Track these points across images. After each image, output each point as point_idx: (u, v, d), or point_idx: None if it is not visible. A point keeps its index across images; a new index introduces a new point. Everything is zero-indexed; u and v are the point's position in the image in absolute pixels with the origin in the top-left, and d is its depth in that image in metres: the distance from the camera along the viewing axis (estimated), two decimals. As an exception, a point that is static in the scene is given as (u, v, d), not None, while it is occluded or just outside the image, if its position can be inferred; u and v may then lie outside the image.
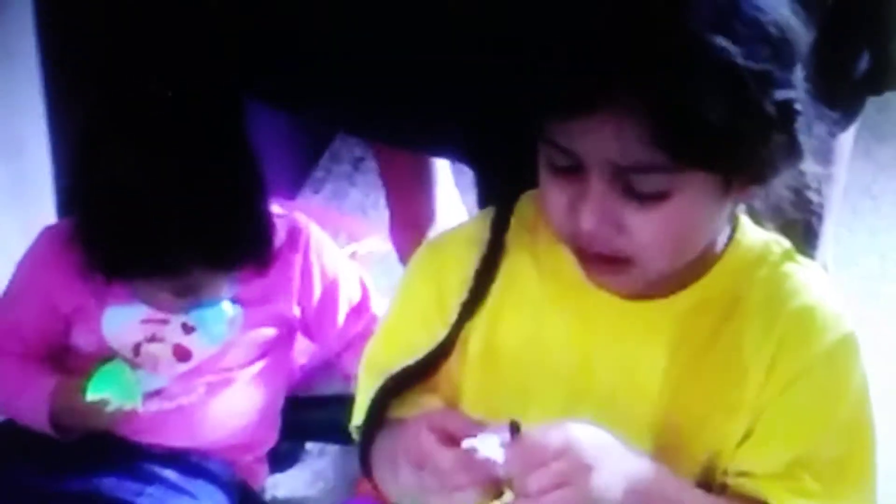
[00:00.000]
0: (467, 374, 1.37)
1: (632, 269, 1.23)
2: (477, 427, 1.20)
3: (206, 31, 1.67)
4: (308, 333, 2.05)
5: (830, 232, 2.20)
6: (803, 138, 1.20)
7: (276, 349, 2.00)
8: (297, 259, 1.95)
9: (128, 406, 1.86)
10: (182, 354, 1.93)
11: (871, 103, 1.82)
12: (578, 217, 1.19)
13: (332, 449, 2.36)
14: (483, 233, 1.38)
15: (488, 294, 1.36)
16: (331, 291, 1.99)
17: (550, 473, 1.14)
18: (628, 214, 1.18)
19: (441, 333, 1.36)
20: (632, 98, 1.12)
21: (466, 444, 1.17)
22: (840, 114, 1.74)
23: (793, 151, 1.21)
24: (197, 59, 1.73)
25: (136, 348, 1.92)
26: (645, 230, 1.19)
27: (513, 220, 1.37)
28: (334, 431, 1.81)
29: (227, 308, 1.92)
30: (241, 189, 1.80)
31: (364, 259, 2.48)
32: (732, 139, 1.15)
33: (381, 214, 2.68)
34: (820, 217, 1.39)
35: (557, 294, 1.34)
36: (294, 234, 1.96)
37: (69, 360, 1.96)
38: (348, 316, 2.01)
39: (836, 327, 1.29)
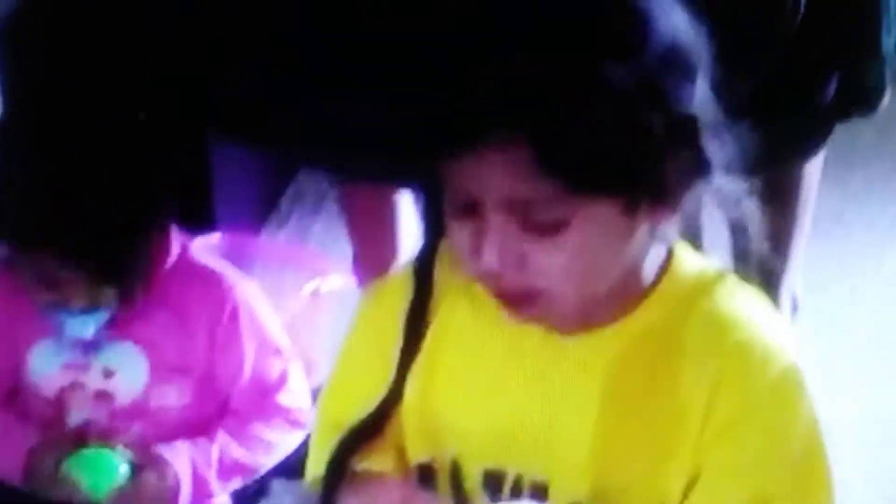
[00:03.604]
0: (409, 413, 1.34)
1: (544, 303, 1.19)
2: None
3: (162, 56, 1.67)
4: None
5: (798, 259, 2.19)
6: (713, 153, 1.16)
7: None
8: (219, 324, 1.92)
9: (94, 496, 1.85)
10: (104, 400, 1.92)
11: (841, 129, 1.81)
12: (481, 256, 1.16)
13: (296, 485, 2.22)
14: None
15: (423, 337, 1.33)
16: (257, 370, 1.96)
17: None
18: (529, 248, 1.15)
19: (389, 379, 1.33)
20: (514, 128, 1.10)
21: None
22: (807, 140, 1.73)
23: (698, 167, 1.16)
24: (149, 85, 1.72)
25: (61, 393, 1.92)
26: (549, 263, 1.16)
27: (446, 259, 1.32)
28: (298, 468, 1.76)
29: (136, 352, 1.90)
30: (129, 201, 1.77)
31: (327, 296, 2.44)
32: (625, 161, 1.12)
33: (344, 249, 2.68)
34: (746, 235, 1.34)
35: (491, 333, 1.30)
36: (218, 294, 1.93)
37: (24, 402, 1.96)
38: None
39: (778, 359, 1.25)
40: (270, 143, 1.82)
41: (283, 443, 1.99)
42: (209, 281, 1.94)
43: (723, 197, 1.20)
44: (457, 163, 1.14)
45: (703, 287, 1.27)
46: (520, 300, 1.20)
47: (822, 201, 2.12)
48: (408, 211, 2.16)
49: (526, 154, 1.10)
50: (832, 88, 1.65)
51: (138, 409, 1.92)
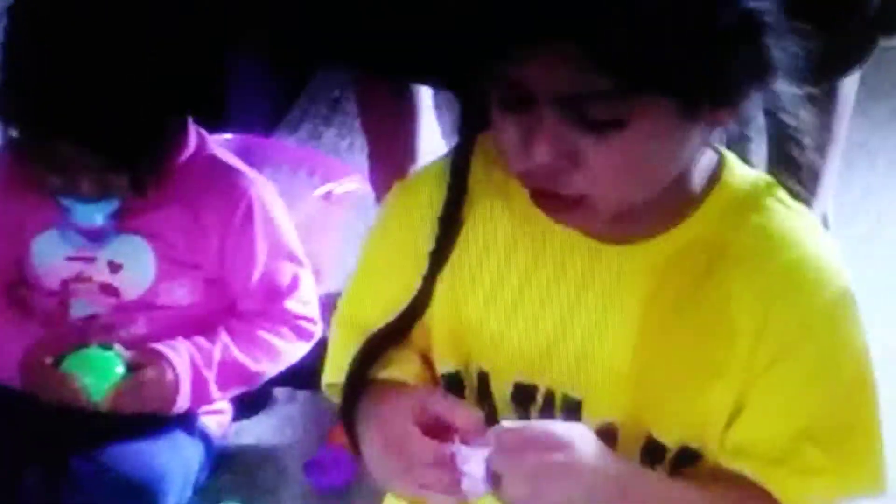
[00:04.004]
0: (437, 321, 1.28)
1: (591, 205, 1.13)
2: (468, 415, 1.15)
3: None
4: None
5: (831, 183, 2.13)
6: (775, 53, 1.09)
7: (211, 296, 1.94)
8: (232, 222, 1.89)
9: (91, 396, 1.82)
10: (110, 293, 1.88)
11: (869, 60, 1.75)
12: (532, 152, 1.10)
13: (302, 395, 2.26)
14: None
15: (456, 239, 1.25)
16: (267, 273, 1.93)
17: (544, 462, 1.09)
18: (583, 146, 1.09)
19: (416, 282, 1.26)
20: (574, 19, 1.03)
21: (453, 448, 1.12)
22: (852, 52, 1.66)
23: (762, 68, 1.10)
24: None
25: (64, 285, 1.88)
26: (602, 162, 1.09)
27: (481, 158, 1.25)
28: (304, 377, 1.75)
29: (145, 246, 1.86)
30: (152, 89, 1.74)
31: (340, 200, 2.39)
32: (685, 56, 1.05)
33: (357, 157, 2.67)
34: (801, 147, 1.27)
35: (528, 236, 1.23)
36: (234, 191, 1.89)
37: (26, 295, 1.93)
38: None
39: (832, 281, 1.18)
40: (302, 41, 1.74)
41: (287, 351, 1.96)
42: (225, 178, 1.90)
43: (781, 103, 1.14)
44: (513, 56, 1.08)
45: (755, 200, 1.20)
46: (566, 201, 1.13)
47: (847, 132, 2.08)
48: (427, 112, 2.10)
49: (586, 47, 1.03)
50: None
51: (144, 305, 1.89)
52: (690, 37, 1.04)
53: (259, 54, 2.10)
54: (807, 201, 1.26)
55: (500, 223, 1.24)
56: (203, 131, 1.93)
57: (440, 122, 2.13)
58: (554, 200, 1.13)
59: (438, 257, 1.25)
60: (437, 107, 2.13)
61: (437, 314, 1.26)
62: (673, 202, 1.17)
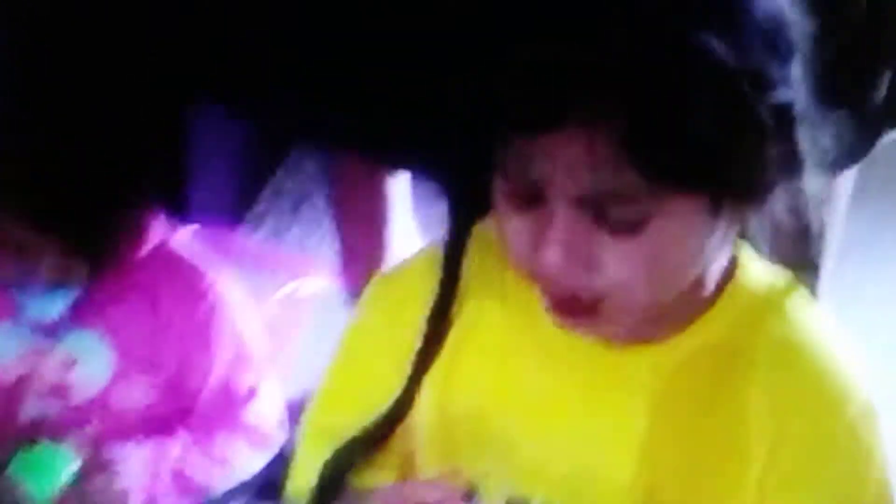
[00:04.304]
0: (422, 425, 1.20)
1: (607, 312, 1.05)
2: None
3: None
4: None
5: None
6: (804, 148, 1.03)
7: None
8: (193, 322, 1.81)
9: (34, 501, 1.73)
10: (62, 392, 1.79)
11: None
12: (542, 253, 1.01)
13: None
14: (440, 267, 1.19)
15: (444, 340, 1.17)
16: (226, 378, 1.84)
17: None
18: (601, 248, 1.01)
19: (398, 384, 1.18)
20: (602, 110, 0.95)
21: None
22: (854, 144, 1.59)
23: (792, 164, 1.03)
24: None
25: (15, 383, 1.79)
26: (621, 265, 1.01)
27: (476, 249, 1.17)
28: (264, 489, 1.78)
29: (102, 342, 1.77)
30: (106, 169, 1.68)
31: (306, 300, 2.28)
32: (723, 152, 0.97)
33: (324, 254, 2.55)
34: (821, 250, 1.21)
35: (526, 337, 1.16)
36: (197, 289, 1.82)
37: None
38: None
39: (856, 395, 1.12)
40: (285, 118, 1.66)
41: (243, 463, 1.86)
42: (188, 273, 1.83)
43: (807, 197, 1.07)
44: (523, 144, 0.99)
45: (773, 302, 1.13)
46: (580, 308, 1.05)
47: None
48: (403, 205, 2.04)
49: (611, 139, 0.95)
50: (882, 91, 1.51)
51: (98, 406, 1.79)
52: (726, 131, 0.96)
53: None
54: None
55: (496, 321, 1.16)
56: (167, 223, 1.85)
57: (418, 214, 2.05)
58: (569, 310, 1.05)
59: (425, 358, 1.16)
60: (414, 197, 2.05)
61: (423, 418, 1.18)
62: (685, 303, 1.09)
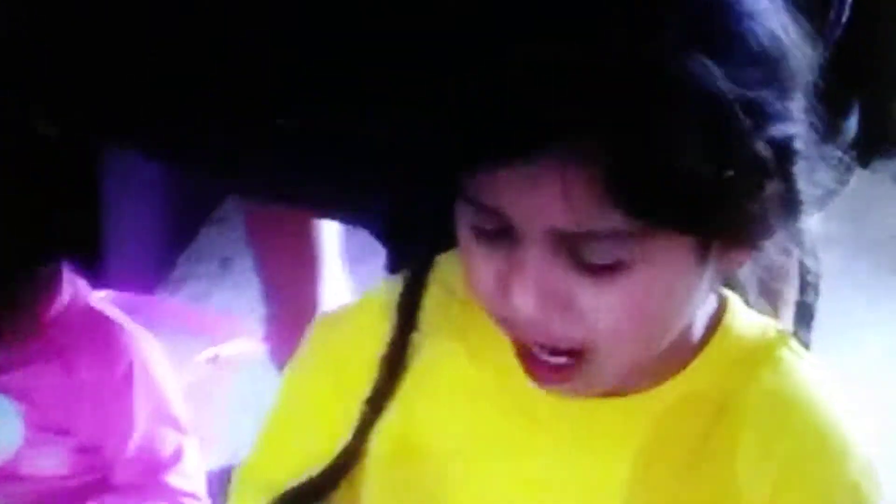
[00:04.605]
0: (373, 476, 1.10)
1: (586, 364, 0.95)
2: None
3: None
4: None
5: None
6: (803, 186, 0.94)
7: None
8: (110, 382, 1.70)
9: None
10: None
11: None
12: (513, 296, 0.91)
13: None
14: (394, 307, 1.09)
15: (399, 384, 1.07)
16: (147, 442, 1.73)
17: None
18: (577, 292, 0.91)
19: (342, 435, 1.08)
20: (581, 141, 0.85)
21: None
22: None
23: (790, 204, 0.94)
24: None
25: None
26: (600, 312, 0.91)
27: (434, 288, 1.08)
28: None
29: (10, 407, 1.67)
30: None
31: (229, 363, 2.20)
32: (716, 191, 0.88)
33: (248, 319, 2.47)
34: (817, 292, 1.12)
35: (494, 383, 1.05)
36: (114, 347, 1.71)
37: None
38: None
39: (857, 454, 1.03)
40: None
41: None
42: (103, 332, 1.72)
43: (805, 241, 1.01)
44: (492, 177, 0.89)
45: (765, 351, 1.04)
46: (556, 364, 0.95)
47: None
48: (333, 260, 1.94)
49: (591, 174, 0.85)
50: (852, 123, 1.44)
51: (6, 475, 1.67)
52: (719, 167, 0.87)
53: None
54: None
55: (457, 365, 1.07)
56: (80, 280, 1.75)
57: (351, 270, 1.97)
58: (544, 361, 0.95)
59: (377, 403, 1.07)
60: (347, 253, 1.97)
61: (374, 467, 1.08)
62: (671, 351, 1.00)
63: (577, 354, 0.94)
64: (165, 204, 2.63)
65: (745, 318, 1.05)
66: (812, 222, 1.03)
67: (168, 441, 1.74)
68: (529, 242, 0.90)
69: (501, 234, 0.92)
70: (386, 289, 1.11)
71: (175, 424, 1.76)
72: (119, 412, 1.70)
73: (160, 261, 2.80)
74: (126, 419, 1.70)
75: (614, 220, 0.86)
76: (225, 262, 2.90)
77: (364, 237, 1.56)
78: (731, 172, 0.87)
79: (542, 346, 0.95)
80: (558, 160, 0.85)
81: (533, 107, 0.85)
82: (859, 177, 1.45)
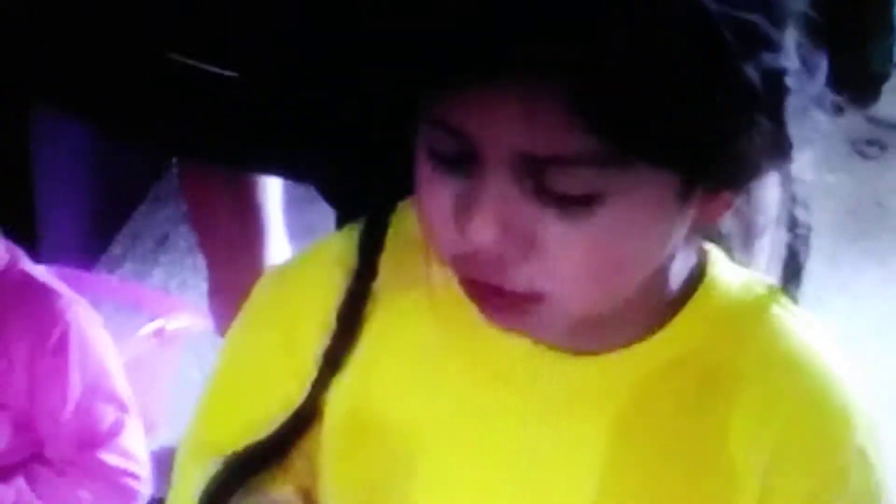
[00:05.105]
0: (330, 442, 1.01)
1: (541, 309, 0.86)
2: None
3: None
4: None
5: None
6: (795, 128, 0.86)
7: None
8: (44, 349, 1.65)
9: None
10: None
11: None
12: (469, 228, 0.83)
13: None
14: (351, 255, 1.00)
15: (358, 338, 0.99)
16: (81, 414, 1.67)
17: None
18: (541, 228, 0.82)
19: (296, 393, 1.00)
20: (551, 56, 0.77)
21: None
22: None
23: (779, 145, 0.86)
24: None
25: None
26: (565, 252, 0.83)
27: (395, 237, 1.00)
28: None
29: None
30: None
31: (172, 338, 2.11)
32: (699, 117, 0.80)
33: (189, 297, 2.45)
34: (807, 246, 1.04)
35: (459, 340, 0.97)
36: (48, 313, 1.66)
37: None
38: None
39: (864, 412, 0.96)
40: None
41: None
42: (38, 298, 1.66)
43: (796, 190, 0.94)
44: (457, 95, 0.81)
45: (754, 308, 0.96)
46: (511, 301, 0.86)
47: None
48: (277, 229, 1.87)
49: (562, 92, 0.77)
50: (822, 73, 1.37)
51: None
52: (705, 91, 0.80)
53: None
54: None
55: (419, 320, 0.98)
56: (15, 247, 1.68)
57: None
58: (495, 299, 0.86)
59: (334, 359, 0.98)
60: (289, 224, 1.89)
61: (332, 437, 1.00)
62: (647, 303, 0.92)
63: (534, 297, 0.85)
64: (100, 180, 2.56)
65: (729, 273, 0.97)
66: (805, 170, 0.96)
67: (105, 415, 1.68)
68: (492, 168, 0.82)
69: (462, 161, 0.84)
70: (339, 238, 1.04)
71: (114, 400, 1.69)
72: (51, 380, 1.64)
73: (96, 237, 2.74)
74: (59, 388, 1.64)
75: (585, 144, 0.79)
76: (162, 240, 2.82)
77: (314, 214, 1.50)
78: (717, 100, 0.80)
79: (498, 290, 0.86)
80: (527, 78, 0.78)
81: (501, 16, 0.78)
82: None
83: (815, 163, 0.94)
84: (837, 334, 0.99)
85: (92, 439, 1.67)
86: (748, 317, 0.96)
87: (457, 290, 0.90)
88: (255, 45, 1.31)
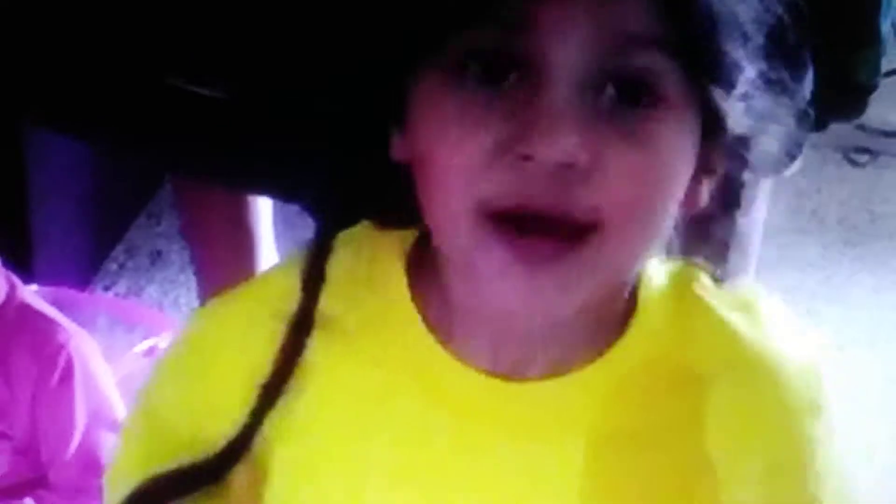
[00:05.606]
0: (275, 484, 0.95)
1: (585, 248, 0.81)
2: None
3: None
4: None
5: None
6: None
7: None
8: (48, 383, 1.66)
9: None
10: None
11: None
12: (547, 136, 0.78)
13: None
14: (292, 290, 0.95)
15: (294, 374, 0.93)
16: (86, 443, 1.69)
17: None
18: (608, 147, 0.80)
19: (218, 430, 0.94)
20: None
21: None
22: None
23: (790, 151, 0.89)
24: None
25: None
26: (625, 177, 0.80)
27: (338, 268, 0.95)
28: None
29: None
30: None
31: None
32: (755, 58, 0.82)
33: (182, 314, 2.47)
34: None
35: (410, 374, 0.92)
36: (51, 346, 1.67)
37: None
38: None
39: (823, 385, 0.94)
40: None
41: None
42: (40, 331, 1.68)
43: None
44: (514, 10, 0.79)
45: (694, 299, 0.94)
46: (555, 244, 0.81)
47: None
48: (268, 247, 1.86)
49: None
50: (808, 84, 1.37)
51: None
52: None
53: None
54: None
55: (366, 360, 0.94)
56: (14, 277, 1.70)
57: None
58: (541, 244, 0.81)
59: (274, 393, 0.93)
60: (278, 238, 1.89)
61: (276, 478, 0.95)
62: (607, 309, 0.91)
63: (579, 234, 0.81)
64: (95, 197, 2.56)
65: (657, 269, 0.95)
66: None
67: (108, 443, 1.69)
68: (553, 82, 0.79)
69: (500, 70, 0.80)
70: (279, 273, 0.99)
71: (115, 425, 1.70)
72: (57, 413, 1.66)
73: (91, 255, 2.74)
74: (64, 420, 1.66)
75: (666, 60, 0.79)
76: (157, 256, 2.82)
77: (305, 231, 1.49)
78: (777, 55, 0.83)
79: (552, 225, 0.81)
80: None
81: None
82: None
83: (804, 171, 0.94)
84: (830, 342, 0.98)
85: (97, 465, 1.67)
86: (691, 310, 0.93)
87: (407, 318, 0.90)
88: (243, 66, 1.31)
